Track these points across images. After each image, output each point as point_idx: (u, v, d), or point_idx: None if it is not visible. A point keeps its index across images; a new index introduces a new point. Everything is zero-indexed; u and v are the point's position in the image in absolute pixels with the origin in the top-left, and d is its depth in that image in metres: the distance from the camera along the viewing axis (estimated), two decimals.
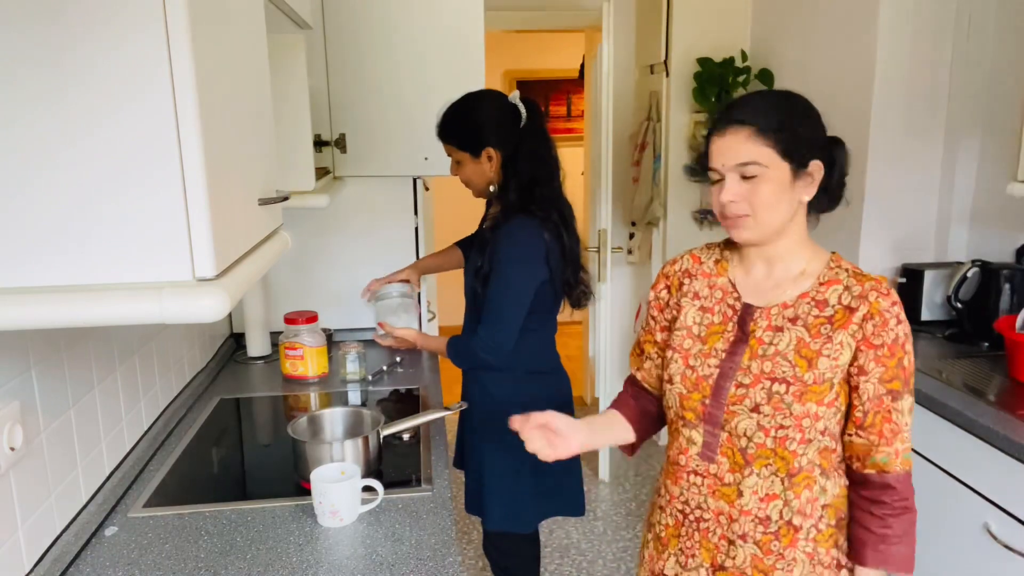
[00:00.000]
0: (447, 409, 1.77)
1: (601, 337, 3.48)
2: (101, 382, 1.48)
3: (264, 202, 1.13)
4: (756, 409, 1.20)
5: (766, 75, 3.22)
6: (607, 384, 3.53)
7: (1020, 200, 2.30)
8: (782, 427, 1.19)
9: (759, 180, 1.16)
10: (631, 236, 3.93)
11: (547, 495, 2.02)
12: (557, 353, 2.07)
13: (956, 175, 2.57)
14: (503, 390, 1.96)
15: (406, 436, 1.75)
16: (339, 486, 1.39)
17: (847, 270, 1.23)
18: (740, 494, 1.23)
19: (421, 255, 2.59)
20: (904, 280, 2.51)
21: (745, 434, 1.22)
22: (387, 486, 1.47)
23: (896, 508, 1.21)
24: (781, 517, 1.23)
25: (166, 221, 0.85)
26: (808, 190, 1.20)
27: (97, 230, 0.84)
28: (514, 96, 1.89)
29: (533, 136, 1.89)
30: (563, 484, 2.04)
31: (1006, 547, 1.66)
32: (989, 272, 2.25)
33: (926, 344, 2.30)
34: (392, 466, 1.65)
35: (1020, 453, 1.61)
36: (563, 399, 2.05)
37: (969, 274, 2.29)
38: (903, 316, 1.19)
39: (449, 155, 1.96)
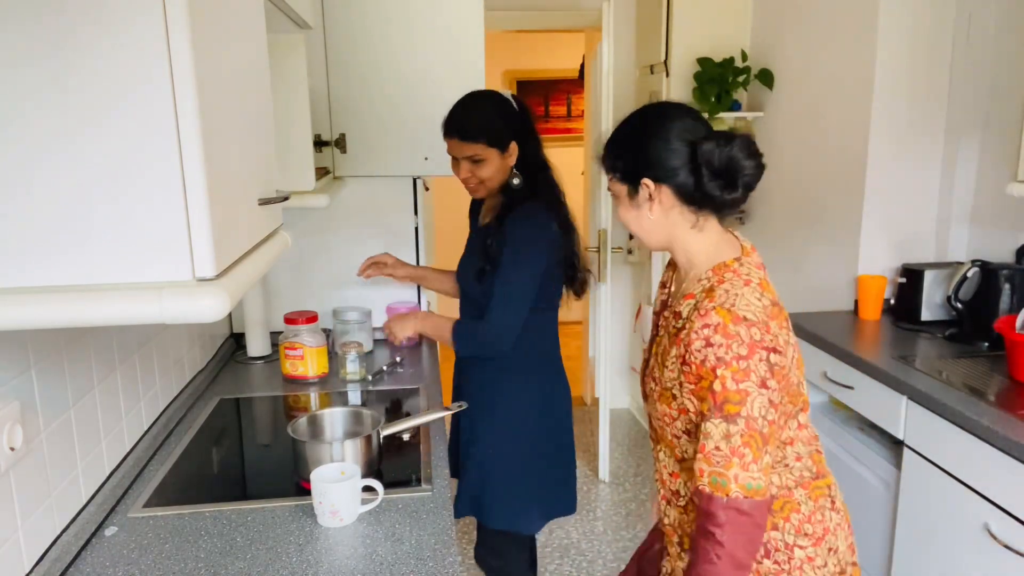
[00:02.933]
0: (447, 409, 1.77)
1: (601, 337, 3.48)
2: (101, 382, 1.48)
3: (264, 202, 1.13)
4: (646, 397, 1.34)
5: (766, 75, 3.21)
6: (607, 384, 3.52)
7: (1020, 200, 2.30)
8: (657, 417, 1.29)
9: (615, 201, 1.30)
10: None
11: (549, 496, 2.00)
12: (559, 355, 2.06)
13: (956, 175, 2.57)
14: (501, 389, 1.93)
15: (406, 436, 1.75)
16: (339, 486, 1.39)
17: (711, 284, 1.20)
18: (656, 462, 1.37)
19: (421, 255, 2.59)
20: (904, 280, 2.51)
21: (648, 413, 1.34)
22: (387, 486, 1.48)
23: (697, 526, 1.16)
24: (687, 492, 1.28)
25: (166, 221, 0.85)
26: (655, 206, 1.23)
27: (97, 230, 0.84)
28: (507, 94, 1.93)
29: (529, 130, 1.93)
30: (564, 483, 2.04)
31: (1006, 547, 1.66)
32: (989, 272, 2.25)
33: (926, 344, 2.30)
34: (392, 466, 1.65)
35: (1020, 453, 1.61)
36: (569, 403, 2.05)
37: (969, 274, 2.29)
38: (719, 341, 1.12)
39: (468, 155, 1.84)
